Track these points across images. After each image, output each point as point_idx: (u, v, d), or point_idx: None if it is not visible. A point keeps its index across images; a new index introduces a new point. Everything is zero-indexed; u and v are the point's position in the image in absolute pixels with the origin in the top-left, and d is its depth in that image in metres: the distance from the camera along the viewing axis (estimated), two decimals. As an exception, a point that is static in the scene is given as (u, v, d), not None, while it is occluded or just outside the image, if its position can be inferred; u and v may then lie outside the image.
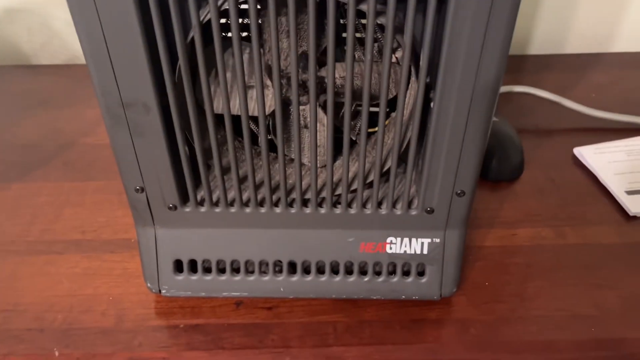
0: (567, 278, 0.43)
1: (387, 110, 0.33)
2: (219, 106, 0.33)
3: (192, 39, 0.30)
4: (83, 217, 0.48)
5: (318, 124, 0.34)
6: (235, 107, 0.34)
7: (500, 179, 0.51)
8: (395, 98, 0.33)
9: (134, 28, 0.28)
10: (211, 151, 0.34)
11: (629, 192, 0.49)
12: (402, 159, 0.35)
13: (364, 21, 0.31)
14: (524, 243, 0.45)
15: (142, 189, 0.36)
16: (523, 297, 0.41)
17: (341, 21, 0.35)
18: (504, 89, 0.59)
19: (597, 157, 0.52)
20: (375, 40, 0.35)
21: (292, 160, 0.36)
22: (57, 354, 0.38)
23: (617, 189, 0.49)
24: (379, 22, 0.29)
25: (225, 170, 0.36)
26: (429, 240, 0.38)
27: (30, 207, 0.49)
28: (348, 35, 0.29)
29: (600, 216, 0.47)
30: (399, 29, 0.30)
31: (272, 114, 0.34)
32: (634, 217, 0.47)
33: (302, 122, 0.35)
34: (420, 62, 0.30)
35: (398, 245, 0.38)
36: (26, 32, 0.71)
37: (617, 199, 0.48)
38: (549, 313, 0.40)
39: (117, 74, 0.30)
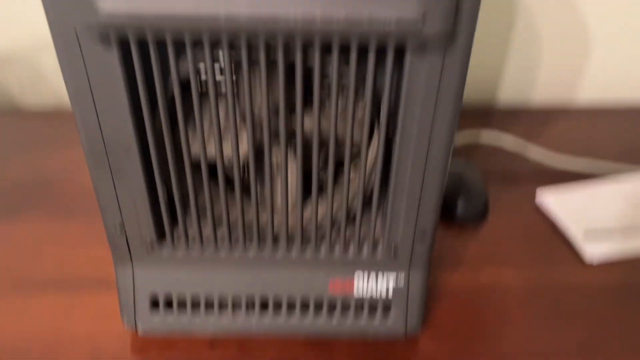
0: (527, 317, 0.45)
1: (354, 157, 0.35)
2: (197, 151, 0.36)
3: (171, 98, 0.32)
4: (63, 256, 0.49)
5: (290, 170, 0.37)
6: (212, 155, 0.36)
7: (466, 222, 0.53)
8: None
9: (118, 79, 0.31)
10: (187, 194, 0.36)
11: (587, 236, 0.51)
12: (369, 202, 0.38)
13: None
14: (487, 283, 0.48)
15: (122, 227, 0.38)
16: (485, 336, 0.43)
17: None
18: (471, 135, 0.62)
19: (558, 201, 0.55)
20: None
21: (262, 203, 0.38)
22: (32, 389, 0.39)
23: (575, 232, 0.52)
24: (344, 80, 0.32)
25: (202, 210, 0.38)
26: (394, 279, 0.40)
27: (11, 245, 0.50)
28: (315, 95, 0.32)
29: (559, 259, 0.50)
30: (363, 84, 0.33)
31: (251, 158, 0.36)
32: (591, 260, 0.49)
33: (275, 167, 0.37)
34: (380, 115, 0.33)
35: (365, 284, 0.40)
36: (16, 78, 0.74)
37: (574, 242, 0.51)
38: (510, 350, 0.42)
39: (100, 120, 0.33)
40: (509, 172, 0.60)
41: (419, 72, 0.31)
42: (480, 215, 0.54)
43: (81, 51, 0.30)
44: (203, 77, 0.34)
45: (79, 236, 0.51)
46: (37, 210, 0.55)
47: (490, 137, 0.62)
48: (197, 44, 0.30)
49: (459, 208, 0.53)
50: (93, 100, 0.32)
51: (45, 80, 0.74)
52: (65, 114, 0.71)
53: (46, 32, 0.70)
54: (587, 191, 0.56)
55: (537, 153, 0.60)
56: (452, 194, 0.54)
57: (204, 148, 0.34)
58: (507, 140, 0.61)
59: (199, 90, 0.32)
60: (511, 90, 0.77)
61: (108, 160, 0.35)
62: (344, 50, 0.30)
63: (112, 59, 0.30)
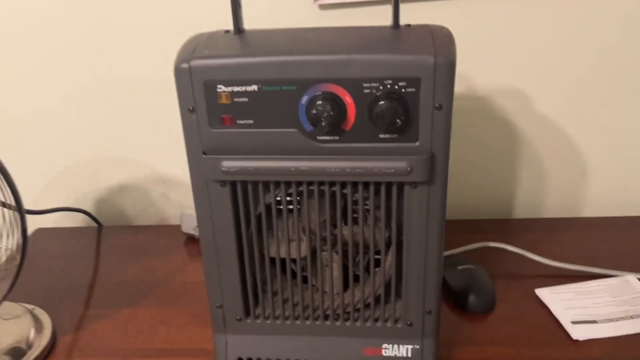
0: (521, 383, 0.58)
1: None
2: (274, 252, 0.54)
3: (259, 215, 0.51)
4: (173, 333, 0.67)
5: (335, 265, 0.54)
6: (282, 254, 0.54)
7: (476, 312, 0.68)
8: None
9: (227, 205, 0.51)
10: (266, 281, 0.54)
11: (574, 322, 0.64)
12: (389, 290, 0.54)
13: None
14: (490, 358, 0.61)
15: (221, 306, 0.56)
16: (486, 395, 0.56)
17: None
18: (482, 244, 0.78)
19: (553, 296, 0.69)
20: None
21: (316, 289, 0.56)
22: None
23: (564, 319, 0.65)
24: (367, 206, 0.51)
25: (274, 294, 0.55)
26: (411, 346, 0.55)
27: (137, 325, 0.69)
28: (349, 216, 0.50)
29: (550, 339, 0.63)
30: (378, 207, 0.51)
31: (309, 257, 0.54)
32: (576, 341, 0.62)
33: (326, 263, 0.55)
34: (392, 228, 0.51)
35: (390, 350, 0.55)
36: (131, 202, 0.97)
37: (564, 327, 0.64)
38: (505, 407, 0.55)
39: (215, 231, 0.52)
40: (513, 273, 0.75)
41: (414, 198, 0.49)
42: (488, 306, 0.68)
43: (208, 190, 0.50)
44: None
45: (182, 319, 0.69)
46: (150, 301, 0.73)
47: (496, 243, 0.78)
48: (277, 184, 0.50)
49: (470, 301, 0.68)
50: (212, 218, 0.51)
51: (153, 204, 0.97)
52: (165, 228, 0.92)
53: (156, 169, 0.93)
54: (575, 287, 0.70)
55: (534, 257, 0.75)
56: (465, 290, 0.69)
57: (278, 253, 0.53)
58: (510, 247, 0.77)
59: (277, 210, 0.51)
60: (523, 207, 0.93)
61: (217, 258, 0.53)
62: (367, 186, 0.49)
63: (225, 193, 0.50)
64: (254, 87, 0.46)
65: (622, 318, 0.65)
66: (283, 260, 0.54)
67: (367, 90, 0.45)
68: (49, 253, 0.85)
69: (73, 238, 0.90)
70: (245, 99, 0.47)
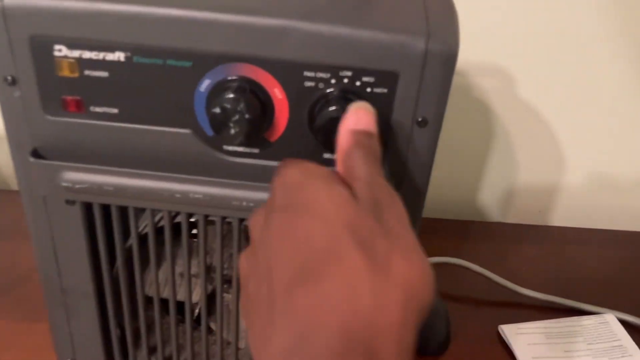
0: None
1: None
2: (149, 291, 0.37)
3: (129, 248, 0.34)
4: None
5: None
6: (164, 293, 0.37)
7: (427, 353, 0.54)
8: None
9: (78, 235, 0.32)
10: (140, 333, 0.37)
11: (537, 370, 0.52)
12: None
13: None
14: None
15: (73, 361, 0.38)
16: None
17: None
18: (440, 259, 0.63)
19: (518, 337, 0.56)
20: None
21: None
22: None
23: (527, 366, 0.52)
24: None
25: (151, 350, 0.38)
26: None
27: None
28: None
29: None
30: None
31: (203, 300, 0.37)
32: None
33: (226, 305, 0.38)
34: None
35: None
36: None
37: (527, 377, 0.51)
38: None
39: (60, 266, 0.34)
40: (474, 297, 0.61)
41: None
42: (442, 345, 0.54)
43: (47, 209, 0.32)
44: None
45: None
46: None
47: (458, 260, 0.63)
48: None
49: (420, 338, 0.54)
50: (55, 247, 0.33)
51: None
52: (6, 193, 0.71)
53: None
54: (545, 326, 0.57)
55: (501, 280, 0.61)
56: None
57: (158, 291, 0.35)
58: (473, 265, 0.62)
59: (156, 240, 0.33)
60: (488, 210, 0.79)
61: (65, 301, 0.36)
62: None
63: (75, 214, 0.32)
64: (120, 56, 0.27)
65: (600, 375, 0.53)
66: (166, 302, 0.37)
67: (309, 83, 0.27)
68: None
69: None
70: (105, 73, 0.28)
